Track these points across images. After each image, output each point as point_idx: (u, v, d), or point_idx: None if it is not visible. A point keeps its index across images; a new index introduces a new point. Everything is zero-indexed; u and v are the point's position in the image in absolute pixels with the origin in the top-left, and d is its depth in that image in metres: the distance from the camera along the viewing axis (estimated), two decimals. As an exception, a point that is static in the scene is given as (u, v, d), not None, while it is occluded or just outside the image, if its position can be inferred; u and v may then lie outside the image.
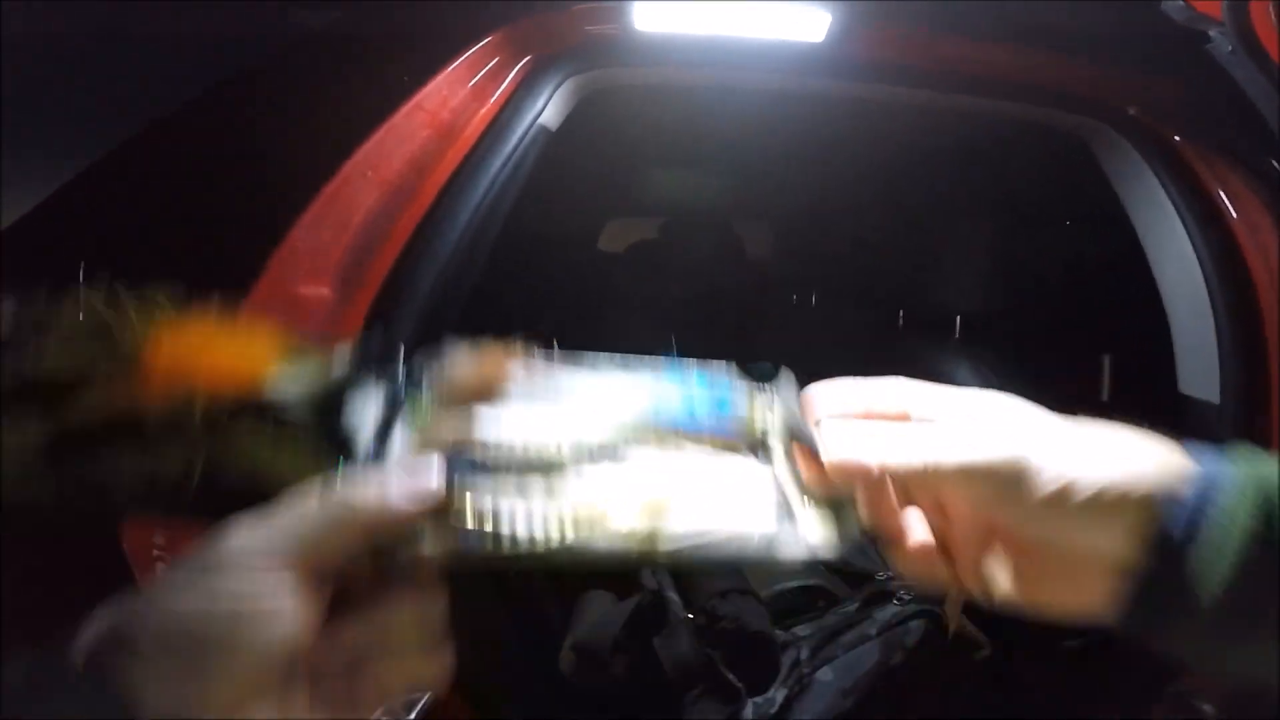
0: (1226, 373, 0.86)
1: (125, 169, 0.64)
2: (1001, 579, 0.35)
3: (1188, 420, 0.90)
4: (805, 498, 0.38)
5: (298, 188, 0.61)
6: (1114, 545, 0.31)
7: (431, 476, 0.32)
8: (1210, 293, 0.88)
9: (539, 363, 0.41)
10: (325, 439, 0.37)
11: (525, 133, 0.72)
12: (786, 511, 0.38)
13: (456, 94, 0.70)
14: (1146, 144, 0.93)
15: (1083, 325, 1.33)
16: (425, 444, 0.36)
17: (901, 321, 1.64)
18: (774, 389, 0.43)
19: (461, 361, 0.39)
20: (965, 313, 1.51)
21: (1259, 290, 0.89)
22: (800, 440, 0.38)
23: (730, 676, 0.87)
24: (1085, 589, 0.33)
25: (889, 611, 0.98)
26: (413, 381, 0.38)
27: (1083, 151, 0.98)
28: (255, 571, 0.29)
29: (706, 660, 0.88)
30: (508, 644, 0.84)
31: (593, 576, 1.01)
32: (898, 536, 0.36)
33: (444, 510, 0.33)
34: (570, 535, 0.35)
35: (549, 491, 0.36)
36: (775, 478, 0.39)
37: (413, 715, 0.66)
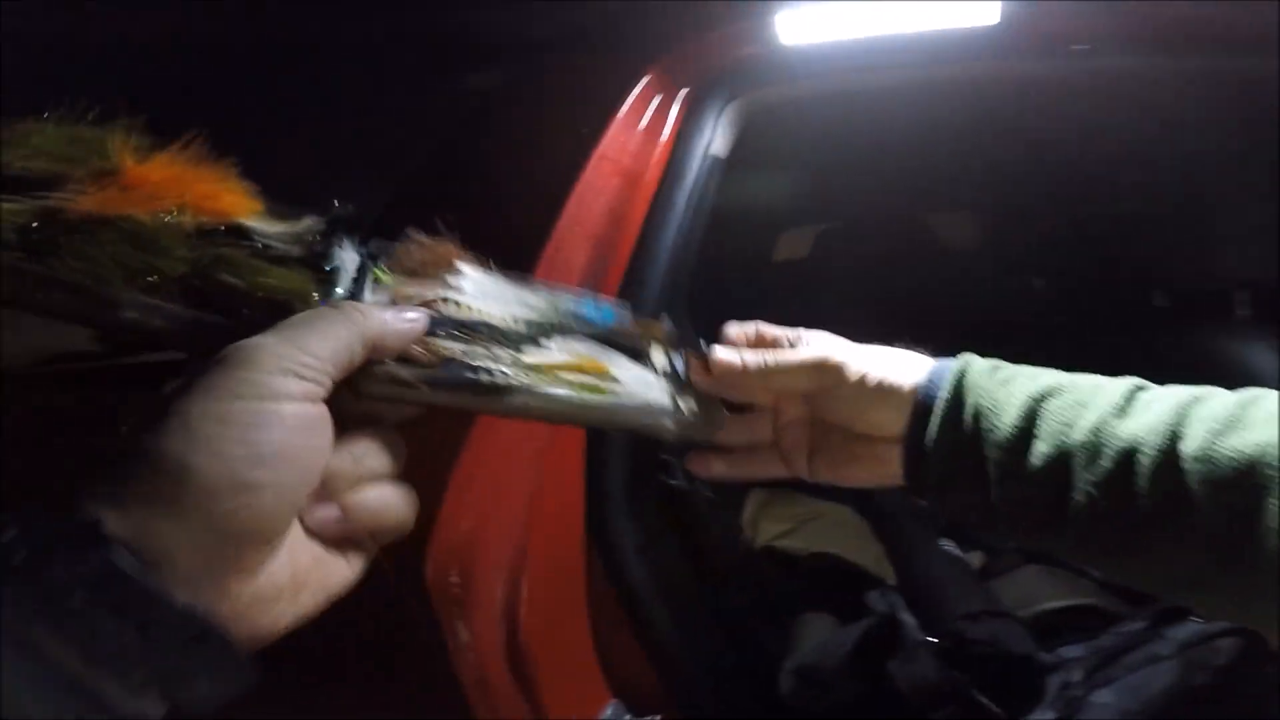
0: None
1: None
2: (819, 461, 0.50)
3: None
4: (680, 394, 0.47)
5: (522, 253, 0.68)
6: (890, 419, 0.47)
7: (418, 312, 0.37)
8: None
9: (480, 264, 0.45)
10: (310, 267, 0.39)
11: (700, 166, 0.75)
12: (675, 396, 0.47)
13: (632, 138, 0.74)
14: None
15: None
16: (395, 299, 0.39)
17: (1162, 300, 1.45)
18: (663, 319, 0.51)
19: (414, 245, 0.42)
20: (1256, 285, 1.30)
21: None
22: (693, 349, 0.49)
23: (984, 700, 0.81)
24: (875, 458, 0.48)
25: (1188, 630, 0.86)
26: (372, 255, 0.41)
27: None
28: (301, 377, 0.30)
29: (954, 683, 0.82)
30: (722, 667, 0.85)
31: (811, 598, 0.99)
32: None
33: (424, 349, 0.37)
34: (530, 380, 0.40)
35: (510, 349, 0.41)
36: (660, 372, 0.47)
37: None
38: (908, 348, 0.50)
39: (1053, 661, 0.88)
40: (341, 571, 0.33)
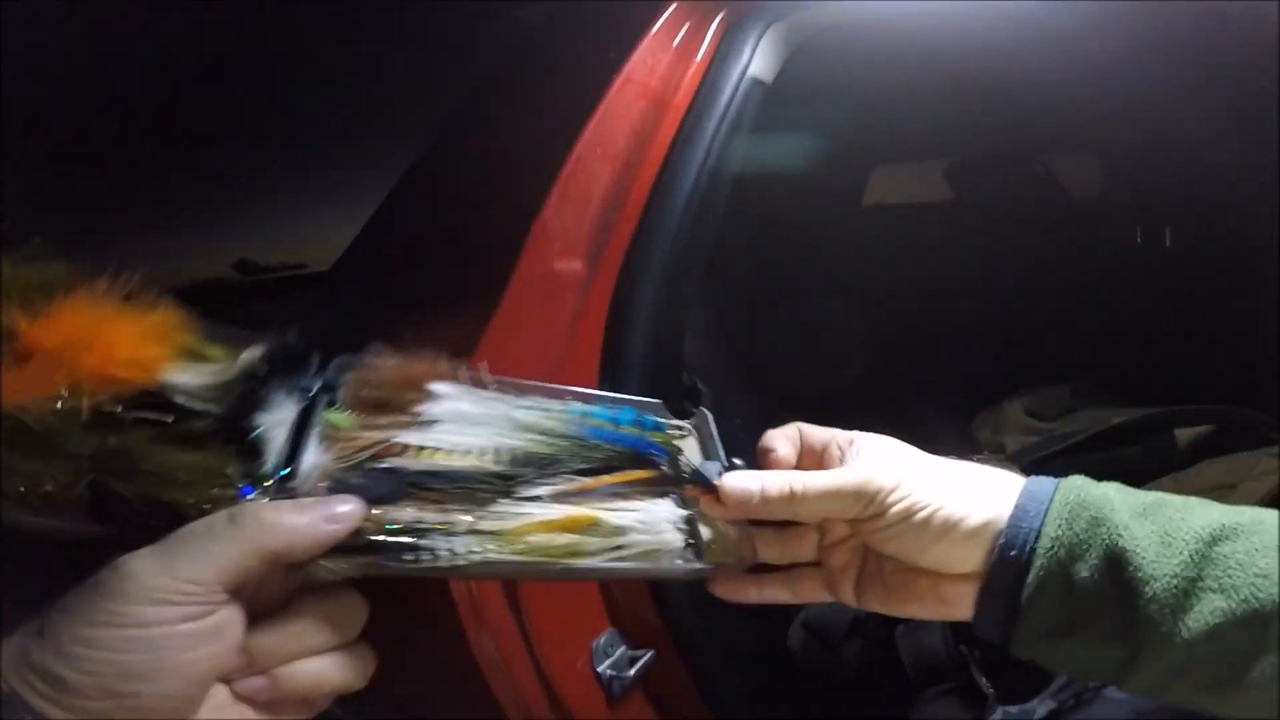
0: None
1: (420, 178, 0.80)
2: (869, 589, 0.44)
3: None
4: (702, 523, 0.42)
5: (543, 173, 0.71)
6: (959, 556, 0.39)
7: (348, 504, 0.33)
8: None
9: (466, 380, 0.40)
10: (231, 440, 0.34)
11: (735, 88, 0.73)
12: (691, 531, 0.41)
13: (661, 60, 0.74)
14: None
15: None
16: (342, 454, 0.35)
17: None
18: (692, 426, 0.47)
19: (380, 369, 0.38)
20: None
21: None
22: (699, 480, 0.42)
23: (982, 680, 0.78)
24: (938, 598, 0.41)
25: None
26: (327, 386, 0.36)
27: None
28: (173, 604, 0.30)
29: (958, 659, 0.80)
30: (733, 615, 0.85)
31: None
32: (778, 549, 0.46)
33: (360, 530, 0.33)
34: (488, 551, 0.35)
35: (469, 505, 0.35)
36: (679, 502, 0.42)
37: (634, 670, 0.70)
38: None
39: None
40: None
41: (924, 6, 0.84)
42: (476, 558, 0.35)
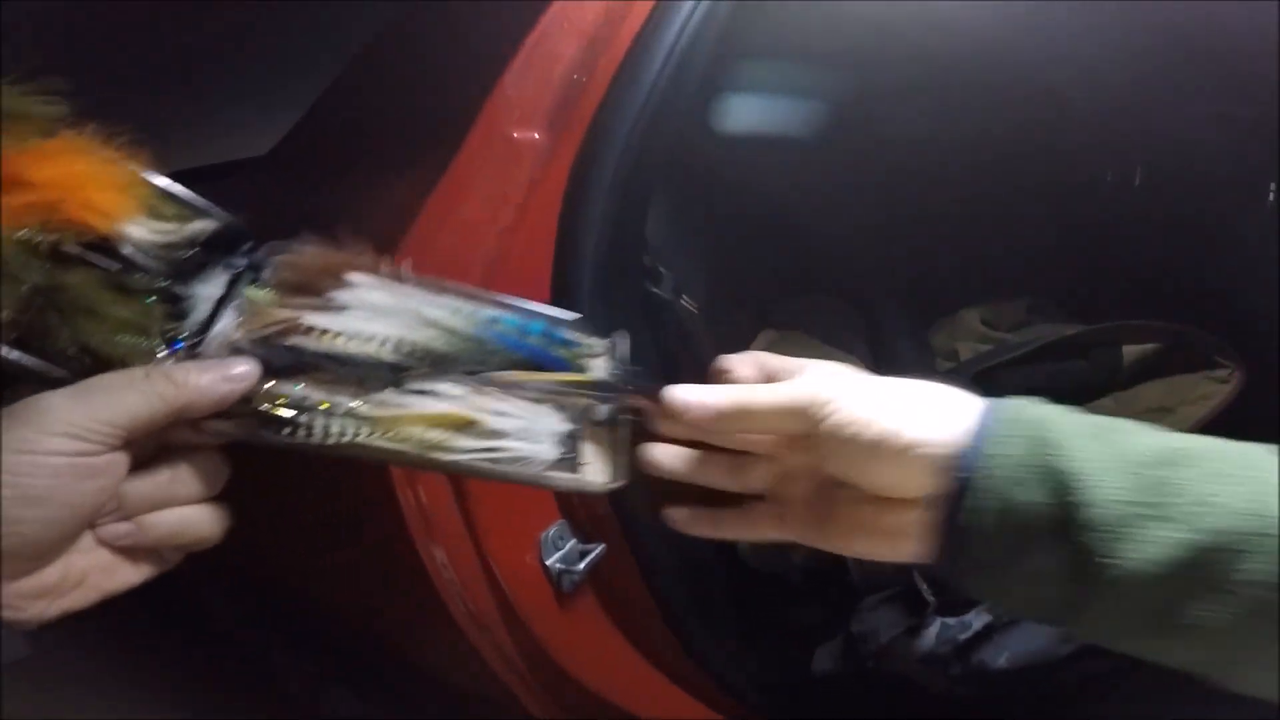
0: None
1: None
2: (819, 525, 0.42)
3: None
4: (589, 441, 0.43)
5: (504, 41, 0.69)
6: (906, 478, 0.37)
7: (244, 366, 0.37)
8: None
9: (386, 273, 0.42)
10: (163, 300, 0.38)
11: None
12: (567, 443, 0.43)
13: None
14: None
15: None
16: (251, 327, 0.38)
17: (1275, 195, 1.28)
18: (606, 348, 0.48)
19: (305, 254, 0.40)
20: None
21: None
22: (643, 388, 0.43)
23: (924, 588, 0.82)
24: (882, 529, 0.39)
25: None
26: (255, 265, 0.40)
27: None
28: (80, 439, 0.33)
29: (901, 567, 0.82)
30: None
31: None
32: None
33: (250, 398, 0.36)
34: (361, 434, 0.37)
35: (357, 390, 0.38)
36: (567, 417, 0.43)
37: (583, 565, 0.71)
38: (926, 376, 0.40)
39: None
40: (126, 576, 0.37)
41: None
42: (347, 439, 0.38)
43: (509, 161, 0.70)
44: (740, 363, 0.45)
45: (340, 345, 0.39)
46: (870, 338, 1.26)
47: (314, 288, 0.40)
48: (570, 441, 0.44)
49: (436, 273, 0.64)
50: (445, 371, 0.41)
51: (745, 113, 1.32)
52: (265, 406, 0.37)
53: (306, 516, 0.77)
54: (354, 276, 0.41)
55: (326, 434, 0.38)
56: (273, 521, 0.80)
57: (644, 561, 0.76)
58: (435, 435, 0.39)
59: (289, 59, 0.74)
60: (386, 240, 0.63)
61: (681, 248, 1.15)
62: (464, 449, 0.40)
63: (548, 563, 0.70)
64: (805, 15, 1.09)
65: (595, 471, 0.45)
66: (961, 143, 1.49)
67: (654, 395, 0.42)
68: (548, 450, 0.43)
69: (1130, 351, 1.21)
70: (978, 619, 0.82)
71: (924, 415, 0.37)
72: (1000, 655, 0.81)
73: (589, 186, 0.71)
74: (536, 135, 0.71)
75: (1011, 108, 1.39)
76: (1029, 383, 1.21)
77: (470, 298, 0.44)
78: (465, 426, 0.40)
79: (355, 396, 0.39)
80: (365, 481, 0.64)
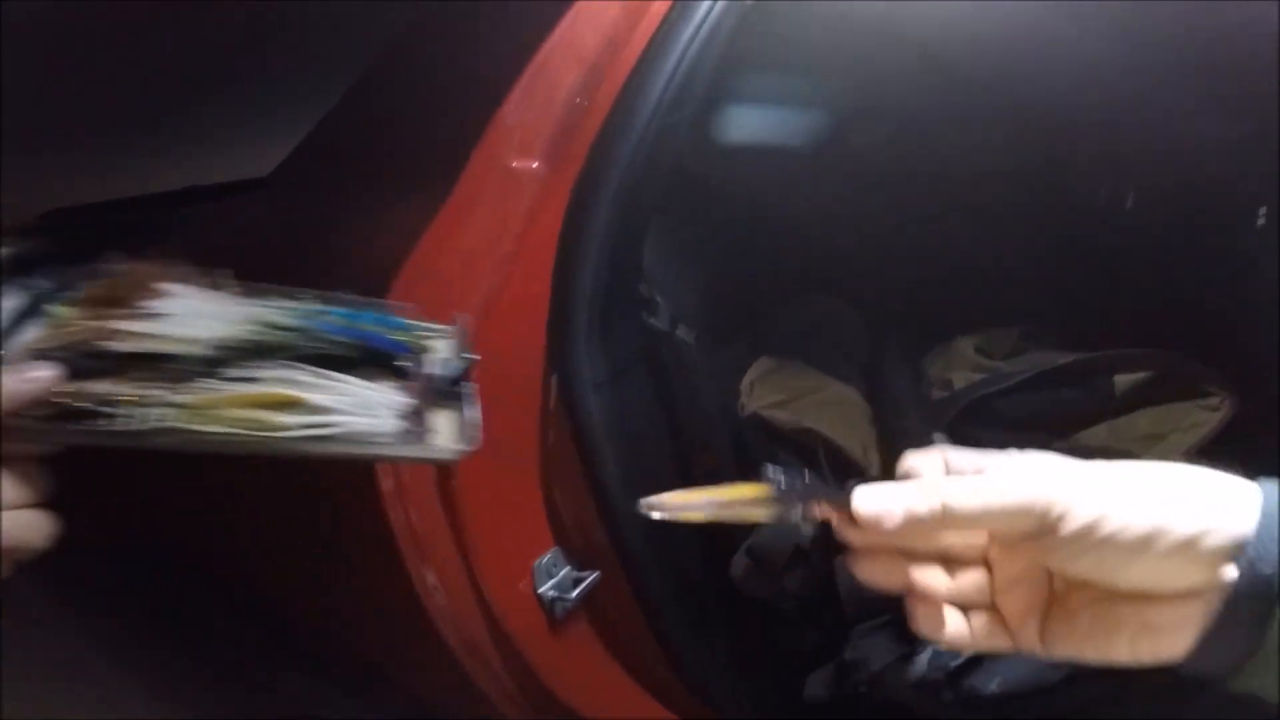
0: None
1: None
2: (1058, 631, 0.36)
3: None
4: (432, 410, 0.43)
5: (504, 69, 0.69)
6: (1176, 571, 0.32)
7: (44, 369, 0.37)
8: None
9: (201, 284, 0.42)
10: None
11: (713, 3, 0.71)
12: (412, 417, 0.42)
13: None
14: None
15: None
16: (54, 336, 0.39)
17: (1263, 219, 1.29)
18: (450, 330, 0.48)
19: (115, 271, 0.41)
20: None
21: None
22: (825, 495, 0.39)
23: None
24: (1144, 625, 0.34)
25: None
26: (64, 283, 0.41)
27: None
28: None
29: (887, 596, 0.81)
30: (680, 538, 0.85)
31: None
32: (915, 593, 0.38)
33: (56, 400, 0.37)
34: (176, 421, 0.38)
35: (171, 384, 0.39)
36: (405, 388, 0.43)
37: (577, 592, 0.71)
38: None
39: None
40: None
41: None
42: (161, 425, 0.38)
43: (508, 191, 0.70)
44: (926, 463, 0.40)
45: (151, 346, 0.40)
46: (866, 365, 1.26)
47: (123, 300, 0.41)
48: (414, 412, 0.44)
49: (435, 301, 0.65)
50: (264, 361, 0.42)
51: (743, 129, 1.32)
52: (68, 403, 0.38)
53: (296, 535, 0.76)
54: (168, 287, 0.42)
55: (137, 422, 0.38)
56: (265, 540, 0.79)
57: (639, 588, 0.76)
58: (256, 415, 0.40)
59: (291, 81, 0.74)
60: (386, 267, 0.63)
61: (678, 271, 1.15)
62: (289, 426, 0.40)
63: (540, 590, 0.70)
64: (804, 29, 1.09)
65: (444, 438, 0.45)
66: (958, 162, 1.50)
67: (841, 502, 0.38)
68: (388, 423, 0.43)
69: (1122, 380, 1.21)
70: None
71: (1186, 504, 0.33)
72: (991, 681, 0.80)
73: (587, 218, 0.71)
74: (536, 164, 0.71)
75: (1011, 122, 1.41)
76: (1023, 410, 1.21)
77: (295, 296, 0.45)
78: (288, 405, 0.41)
79: (167, 389, 0.39)
80: (354, 500, 0.63)
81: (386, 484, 0.62)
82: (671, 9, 0.72)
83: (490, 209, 0.70)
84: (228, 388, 0.40)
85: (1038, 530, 0.34)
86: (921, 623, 0.39)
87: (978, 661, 0.81)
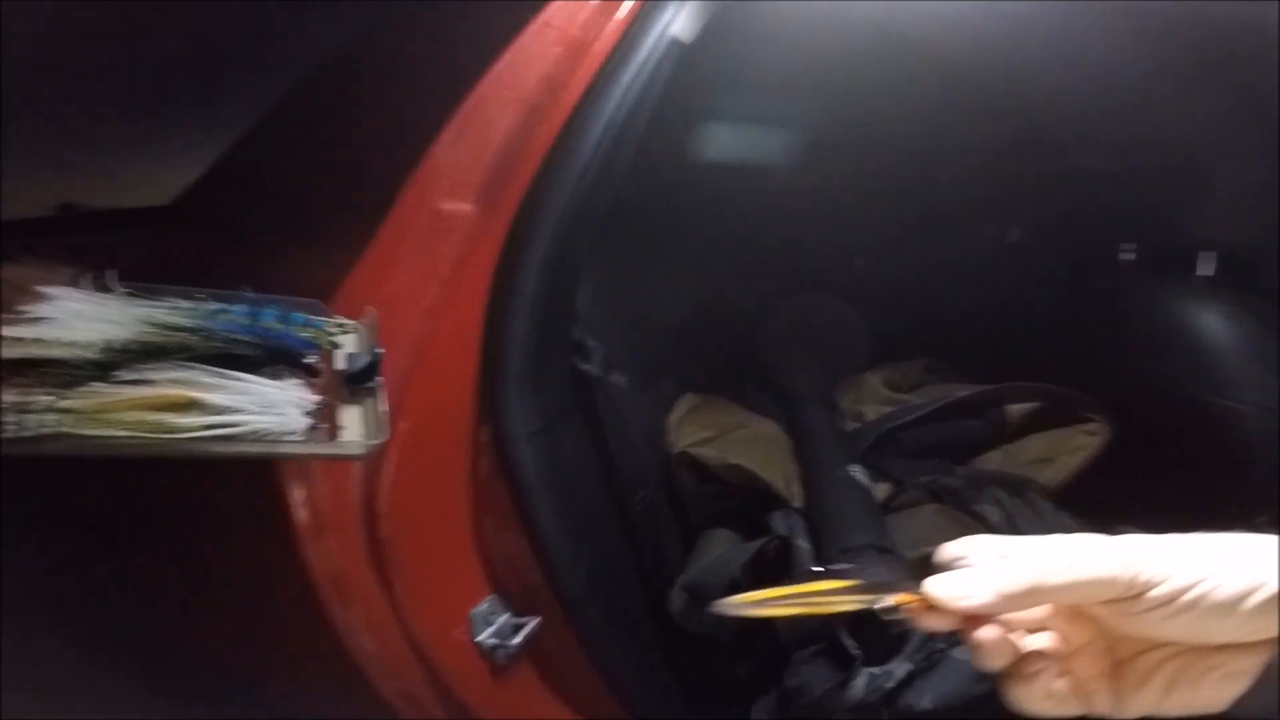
0: None
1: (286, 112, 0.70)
2: (1134, 689, 0.38)
3: None
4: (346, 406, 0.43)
5: (437, 109, 0.63)
6: (1251, 631, 0.34)
7: None
8: None
9: (88, 286, 0.41)
10: None
11: (655, 45, 0.69)
12: (320, 414, 0.42)
13: (584, 9, 0.69)
14: None
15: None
16: None
17: (1124, 256, 1.40)
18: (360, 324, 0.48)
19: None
20: (1220, 246, 1.25)
21: None
22: (902, 587, 0.38)
23: (848, 642, 0.81)
24: (1225, 674, 0.36)
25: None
26: None
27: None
28: None
29: (825, 620, 0.81)
30: (623, 578, 0.84)
31: (717, 517, 0.98)
32: (1017, 669, 0.38)
33: None
34: (64, 425, 0.36)
35: (61, 388, 0.37)
36: (313, 386, 0.43)
37: (519, 639, 0.68)
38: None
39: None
40: None
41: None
42: (50, 431, 0.36)
43: (437, 235, 0.65)
44: (971, 549, 0.40)
45: (33, 351, 0.39)
46: (783, 402, 1.26)
47: (5, 305, 0.39)
48: (322, 409, 0.43)
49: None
50: (162, 361, 0.41)
51: (672, 169, 1.31)
52: None
53: (206, 569, 0.68)
54: (50, 290, 0.40)
55: (23, 429, 0.36)
56: (177, 571, 0.70)
57: (582, 630, 0.74)
58: (153, 417, 0.39)
59: (198, 101, 0.65)
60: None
61: (611, 312, 1.12)
62: (188, 427, 0.39)
63: (479, 639, 0.66)
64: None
65: (354, 434, 0.45)
66: (859, 207, 1.56)
67: (914, 589, 0.38)
68: (295, 420, 0.42)
69: (1014, 409, 1.27)
70: (900, 667, 0.83)
71: (1257, 562, 0.35)
72: (924, 698, 0.82)
73: (523, 263, 0.67)
74: (468, 207, 0.66)
75: (909, 167, 1.47)
76: (929, 439, 1.25)
77: (190, 296, 0.44)
78: (185, 406, 0.40)
79: (57, 395, 0.38)
80: (262, 533, 0.58)
81: (302, 517, 0.56)
82: (614, 50, 0.69)
83: (418, 254, 0.64)
84: (120, 391, 0.39)
85: (1123, 596, 0.35)
86: (1025, 697, 0.39)
87: (909, 681, 0.83)
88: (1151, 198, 1.30)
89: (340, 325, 0.49)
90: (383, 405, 0.46)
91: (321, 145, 0.67)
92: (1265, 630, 0.35)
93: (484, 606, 0.68)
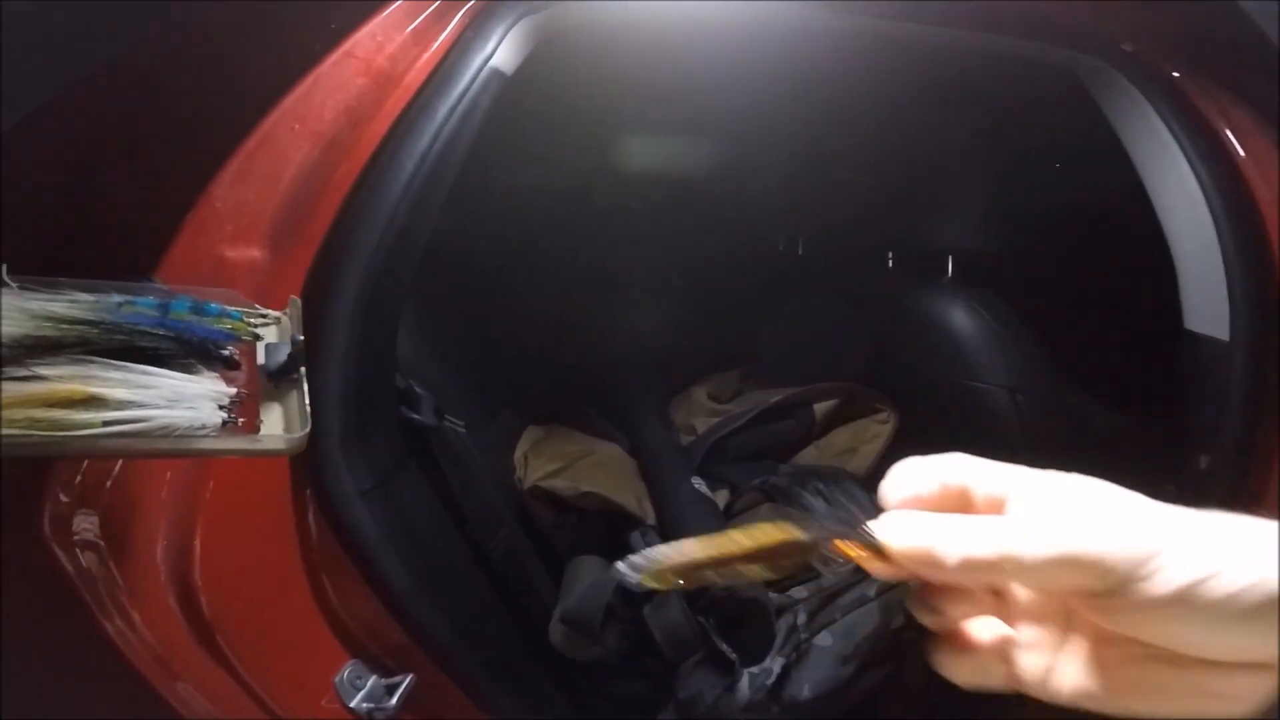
0: (1236, 307, 0.75)
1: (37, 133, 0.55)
2: (1090, 682, 0.28)
3: (1197, 357, 0.80)
4: (269, 393, 0.40)
5: (215, 146, 0.51)
6: (1240, 644, 0.25)
7: None
8: (1218, 229, 0.78)
9: None
10: None
11: (474, 77, 0.61)
12: (237, 408, 0.38)
13: (393, 40, 0.60)
14: (1144, 80, 0.80)
15: (1083, 264, 1.21)
16: None
17: (891, 263, 1.53)
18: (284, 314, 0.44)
19: None
20: (960, 252, 1.40)
21: (1267, 224, 0.78)
22: (853, 535, 0.30)
23: (724, 646, 0.78)
24: (1201, 692, 0.26)
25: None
26: None
27: (1079, 89, 0.86)
28: None
29: (699, 630, 0.78)
30: (495, 620, 0.76)
31: (580, 544, 0.93)
32: (953, 634, 0.31)
33: None
34: None
35: None
36: (229, 379, 0.39)
37: (395, 699, 0.60)
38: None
39: (783, 603, 0.86)
40: None
41: (684, 7, 0.76)
42: None
43: (221, 283, 0.52)
44: (915, 473, 0.30)
45: None
46: (623, 422, 1.22)
47: None
48: (238, 403, 0.39)
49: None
50: (56, 355, 0.36)
51: (489, 202, 1.23)
52: None
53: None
54: None
55: None
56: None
57: (460, 680, 0.66)
58: (49, 414, 0.34)
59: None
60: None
61: (437, 354, 1.01)
62: (89, 424, 0.35)
63: (352, 705, 0.59)
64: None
65: (273, 428, 0.41)
66: (672, 220, 1.57)
67: (871, 541, 0.29)
68: (208, 415, 0.38)
69: (820, 407, 1.33)
70: (774, 662, 0.82)
71: (1257, 552, 0.25)
72: (803, 688, 0.81)
73: (327, 315, 0.57)
74: (256, 253, 0.54)
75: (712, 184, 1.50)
76: (753, 444, 1.26)
77: (92, 289, 0.39)
78: (85, 402, 0.35)
79: None
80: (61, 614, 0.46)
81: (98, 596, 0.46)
82: (427, 81, 0.60)
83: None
84: (14, 389, 0.34)
85: (1114, 587, 0.25)
86: (953, 668, 0.31)
87: (786, 674, 0.82)
88: (903, 208, 1.42)
89: (263, 316, 0.44)
90: (306, 398, 0.41)
91: (79, 184, 0.52)
92: (1254, 648, 0.25)
93: (347, 672, 0.60)
